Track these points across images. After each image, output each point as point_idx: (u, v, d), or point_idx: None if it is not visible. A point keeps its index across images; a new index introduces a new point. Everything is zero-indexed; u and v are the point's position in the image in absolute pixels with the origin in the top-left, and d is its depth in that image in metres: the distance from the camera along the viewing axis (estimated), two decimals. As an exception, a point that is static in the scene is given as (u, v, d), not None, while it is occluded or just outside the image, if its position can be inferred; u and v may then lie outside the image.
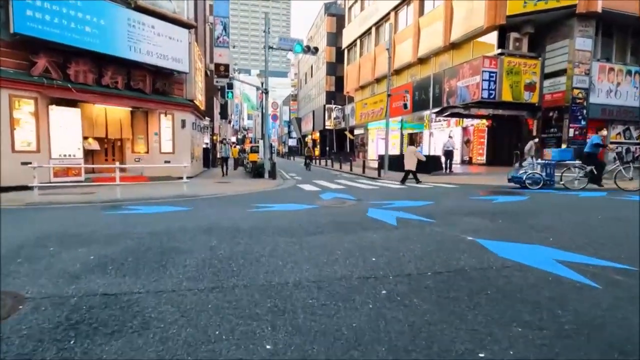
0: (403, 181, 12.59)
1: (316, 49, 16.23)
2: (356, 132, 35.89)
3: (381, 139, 30.41)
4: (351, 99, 34.83)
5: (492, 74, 15.56)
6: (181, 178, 14.31)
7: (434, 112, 18.30)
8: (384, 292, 2.82)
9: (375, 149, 29.92)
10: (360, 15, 31.55)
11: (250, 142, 57.60)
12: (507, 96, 15.76)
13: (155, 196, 8.84)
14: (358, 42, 32.30)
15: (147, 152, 14.11)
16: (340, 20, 43.27)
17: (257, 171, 16.11)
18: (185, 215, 6.22)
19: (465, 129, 21.39)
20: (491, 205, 7.46)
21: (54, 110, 11.01)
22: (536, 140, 13.54)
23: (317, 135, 52.22)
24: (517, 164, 13.24)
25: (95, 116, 12.40)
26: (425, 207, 7.10)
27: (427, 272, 3.29)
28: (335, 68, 46.22)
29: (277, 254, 3.84)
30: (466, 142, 21.58)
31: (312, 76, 57.33)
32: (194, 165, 16.43)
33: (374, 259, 3.68)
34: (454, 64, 19.22)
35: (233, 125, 53.80)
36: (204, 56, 20.91)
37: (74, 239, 4.48)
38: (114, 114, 13.03)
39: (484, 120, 19.06)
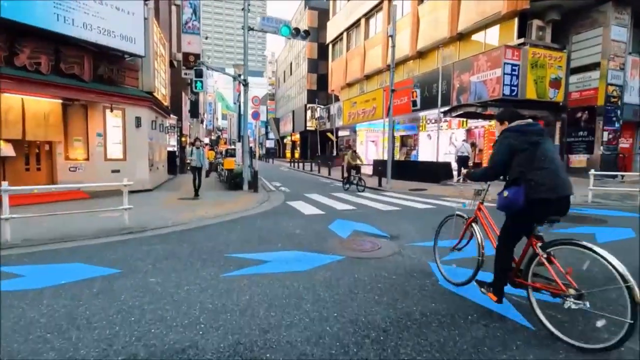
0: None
1: (307, 33, 13.33)
2: (340, 133, 33.23)
3: (371, 142, 27.94)
4: (336, 98, 32.12)
5: (514, 67, 13.24)
6: (138, 191, 11.12)
7: (442, 112, 15.82)
8: None
9: (365, 152, 27.32)
10: (347, 5, 28.92)
11: (225, 143, 53.82)
12: (531, 93, 13.48)
13: (75, 233, 5.65)
14: (344, 35, 29.66)
15: (88, 159, 10.69)
16: (322, 15, 40.62)
17: (233, 181, 13.04)
18: (97, 301, 3.17)
19: (469, 131, 19.09)
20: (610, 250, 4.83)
21: None
22: None
23: (297, 136, 49.27)
24: None
25: (6, 110, 8.89)
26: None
27: None
28: (317, 65, 43.48)
29: None
30: (471, 146, 19.30)
31: (291, 74, 54.35)
32: (155, 173, 13.11)
33: None
34: (460, 58, 16.87)
35: (206, 126, 49.86)
36: (169, 42, 17.54)
37: None
38: (36, 108, 9.56)
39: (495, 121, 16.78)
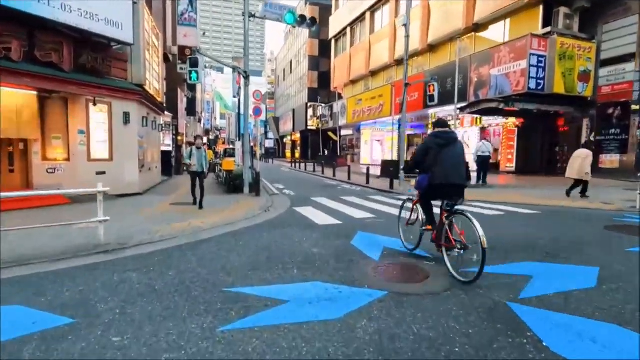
0: (569, 193, 9.42)
1: (313, 21, 12.16)
2: (343, 132, 32.07)
3: (376, 141, 26.80)
4: (339, 96, 30.95)
5: (541, 59, 12.11)
6: (126, 195, 9.93)
7: (459, 108, 14.66)
8: None
9: (369, 152, 26.19)
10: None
11: (224, 143, 52.52)
12: (559, 87, 12.37)
13: (35, 253, 4.46)
14: (348, 30, 28.53)
15: (68, 160, 9.49)
16: (323, 11, 39.43)
17: (233, 183, 11.87)
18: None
19: (483, 129, 17.97)
20: None
21: None
22: None
23: (297, 136, 48.12)
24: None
25: (-30, 103, 7.72)
26: (613, 298, 3.20)
27: None
28: (318, 63, 42.31)
29: None
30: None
31: (291, 72, 53.19)
32: (147, 175, 11.94)
33: None
34: (476, 50, 15.74)
35: (204, 125, 48.62)
36: (163, 34, 16.33)
37: None
38: (6, 100, 8.35)
39: (513, 119, 15.66)
